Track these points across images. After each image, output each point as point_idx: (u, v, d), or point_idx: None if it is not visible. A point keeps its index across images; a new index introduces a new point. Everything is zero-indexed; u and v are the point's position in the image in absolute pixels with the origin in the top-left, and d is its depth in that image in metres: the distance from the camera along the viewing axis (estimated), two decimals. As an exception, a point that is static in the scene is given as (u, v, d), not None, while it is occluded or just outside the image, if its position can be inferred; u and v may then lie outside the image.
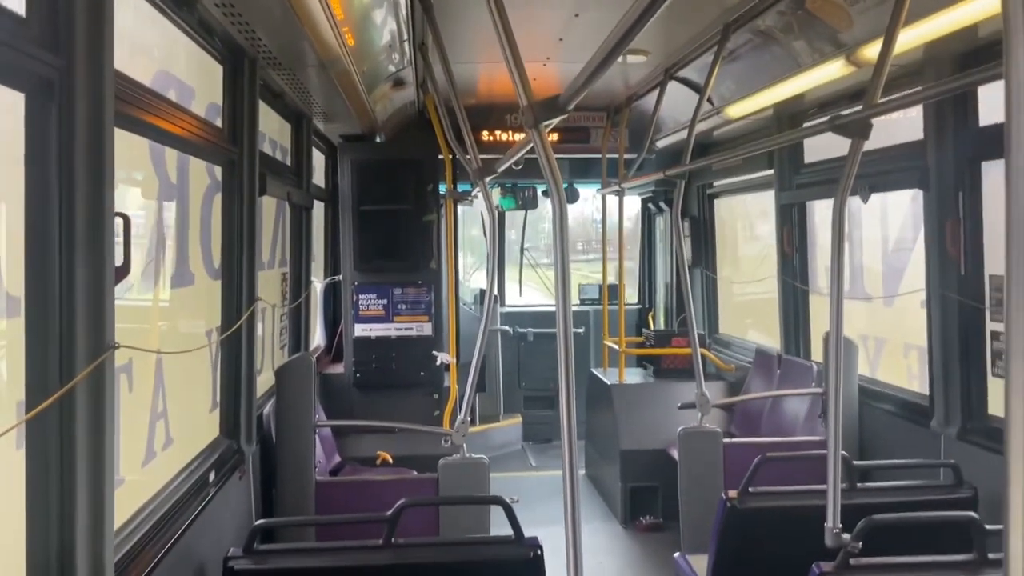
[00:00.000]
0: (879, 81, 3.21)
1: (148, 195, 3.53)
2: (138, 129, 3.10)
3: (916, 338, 5.29)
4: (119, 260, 2.59)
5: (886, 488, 4.33)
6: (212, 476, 3.91)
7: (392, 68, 5.80)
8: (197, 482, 3.70)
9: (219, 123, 4.22)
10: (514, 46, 2.61)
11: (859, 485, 4.21)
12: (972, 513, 3.26)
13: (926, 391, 4.93)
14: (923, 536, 3.45)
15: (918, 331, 5.08)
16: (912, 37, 3.91)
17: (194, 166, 3.99)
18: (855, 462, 4.31)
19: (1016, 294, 0.80)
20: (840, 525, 3.39)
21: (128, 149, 3.10)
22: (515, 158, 4.06)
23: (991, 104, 4.42)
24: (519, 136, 8.52)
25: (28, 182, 2.27)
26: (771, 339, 7.50)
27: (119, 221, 2.57)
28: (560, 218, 2.57)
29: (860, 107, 3.28)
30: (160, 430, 3.53)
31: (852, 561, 3.04)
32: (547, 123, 2.64)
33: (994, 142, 4.42)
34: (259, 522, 3.48)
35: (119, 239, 2.58)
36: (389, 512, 3.34)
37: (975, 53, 4.25)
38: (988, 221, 4.50)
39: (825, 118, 3.53)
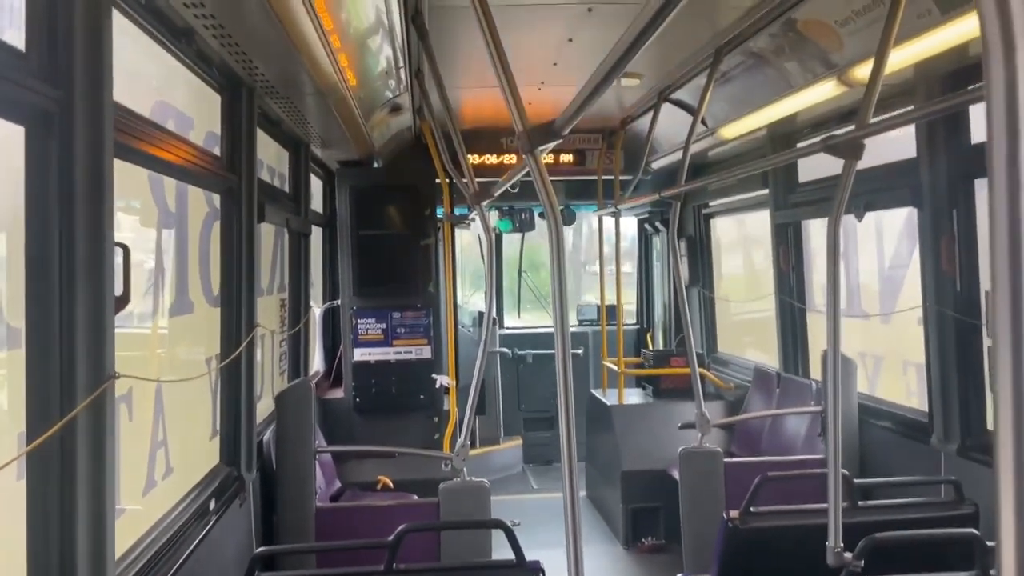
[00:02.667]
0: (870, 101, 3.25)
1: (147, 224, 3.55)
2: (137, 159, 3.13)
3: (914, 355, 5.31)
4: (119, 290, 2.60)
5: (887, 506, 4.33)
6: (213, 504, 3.90)
7: (389, 94, 5.84)
8: (198, 510, 3.70)
9: (218, 151, 4.25)
10: (508, 72, 2.64)
11: (860, 503, 4.21)
12: (973, 530, 3.26)
13: (925, 408, 4.94)
14: (925, 553, 3.45)
15: (916, 348, 5.10)
16: (902, 57, 3.95)
17: (193, 194, 4.01)
18: (856, 480, 4.31)
19: (1001, 306, 0.81)
20: (842, 544, 3.39)
21: (128, 178, 3.12)
22: (511, 182, 4.09)
23: (983, 122, 4.45)
24: (515, 159, 8.57)
25: (28, 213, 2.29)
26: (770, 358, 7.51)
27: (119, 251, 2.59)
28: (556, 241, 2.59)
29: (852, 127, 3.31)
30: (160, 459, 3.53)
31: None
32: (542, 148, 2.67)
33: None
34: (259, 550, 3.48)
35: (119, 269, 2.60)
36: (390, 538, 3.33)
37: (965, 71, 4.29)
38: (982, 238, 4.53)
39: (818, 138, 3.56)
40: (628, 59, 2.09)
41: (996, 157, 0.84)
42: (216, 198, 4.28)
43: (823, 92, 4.79)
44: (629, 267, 11.38)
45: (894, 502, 4.34)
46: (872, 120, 3.22)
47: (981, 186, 4.53)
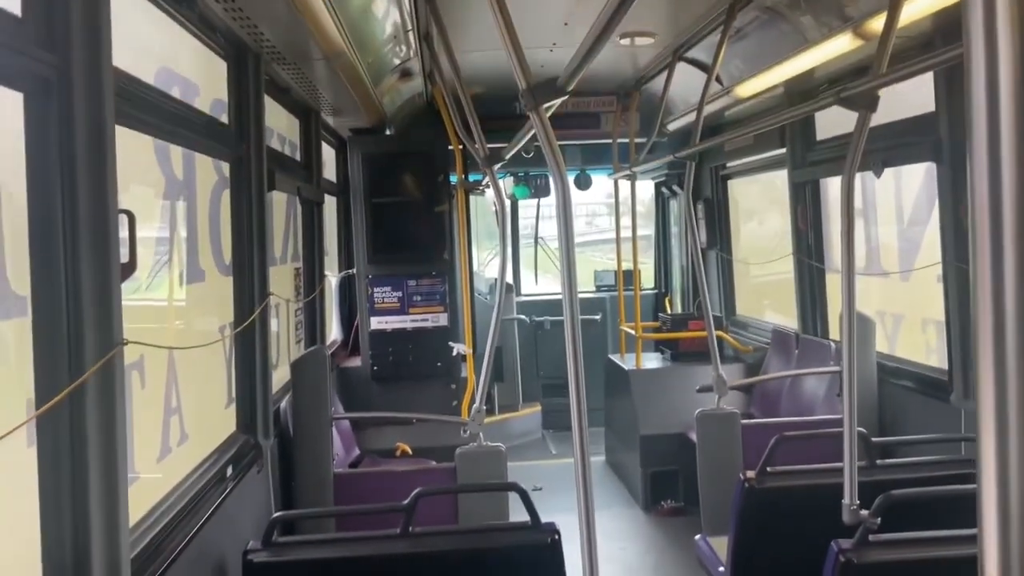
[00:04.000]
0: (885, 52, 3.17)
1: (155, 193, 3.54)
2: (141, 127, 3.11)
3: (934, 312, 5.24)
4: (124, 257, 2.60)
5: (905, 464, 4.30)
6: (230, 471, 3.92)
7: (398, 60, 5.79)
8: (214, 477, 3.72)
9: (225, 119, 4.23)
10: (512, 29, 2.60)
11: (878, 462, 4.18)
12: None
13: (945, 366, 4.88)
14: (943, 511, 3.41)
15: (935, 305, 5.03)
16: (918, 8, 3.86)
17: (201, 163, 4.00)
18: (874, 439, 4.27)
19: (982, 288, 0.80)
20: (858, 502, 3.37)
21: (135, 147, 3.11)
22: (520, 144, 4.04)
23: (1003, 73, 4.34)
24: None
25: (30, 181, 2.28)
26: (789, 319, 7.45)
27: (124, 218, 2.58)
28: (563, 203, 2.56)
29: (865, 79, 3.24)
30: (175, 426, 3.55)
31: (871, 537, 3.02)
32: (548, 105, 2.62)
33: (1007, 111, 4.35)
34: (277, 514, 3.50)
35: (124, 236, 2.59)
36: (406, 501, 3.35)
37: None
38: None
39: (830, 93, 3.49)
40: (626, 8, 2.04)
41: (976, 128, 0.83)
42: (225, 166, 4.26)
43: (839, 46, 4.70)
44: (647, 230, 11.31)
45: (912, 460, 4.31)
46: (887, 70, 3.14)
47: (1001, 138, 4.43)
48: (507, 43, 2.58)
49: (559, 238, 2.57)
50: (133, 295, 3.14)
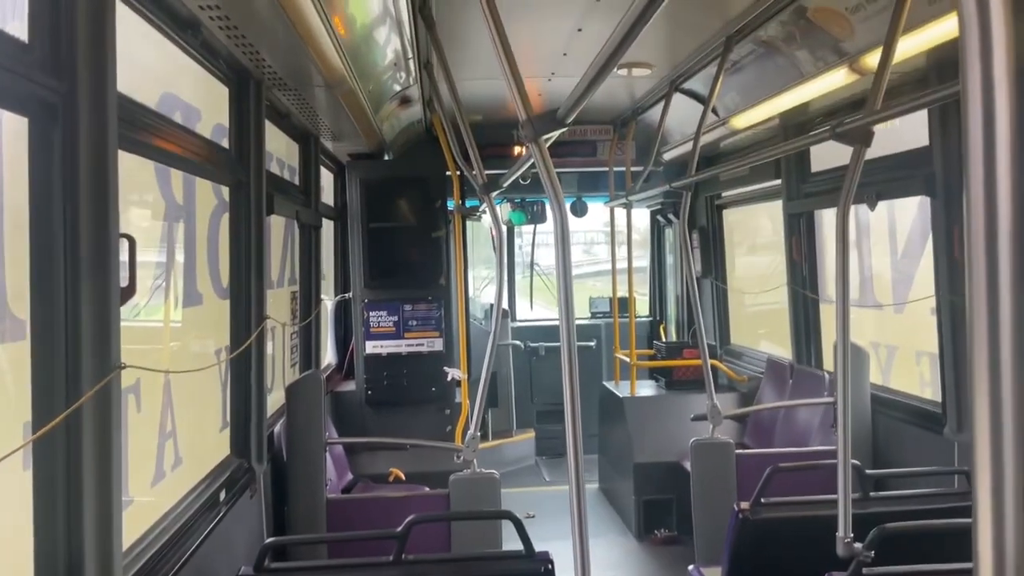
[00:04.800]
0: (880, 88, 3.22)
1: (155, 216, 3.56)
2: (143, 151, 3.13)
3: (927, 345, 5.26)
4: (124, 281, 2.61)
5: (899, 496, 4.30)
6: (223, 495, 3.91)
7: (398, 87, 5.84)
8: (208, 501, 3.71)
9: (226, 144, 4.25)
10: (512, 61, 2.63)
11: (872, 494, 4.18)
12: None
13: (939, 398, 4.89)
14: (937, 544, 3.42)
15: (929, 338, 5.06)
16: (914, 44, 3.91)
17: (201, 187, 4.02)
18: (868, 471, 4.28)
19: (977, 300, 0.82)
20: (852, 534, 3.37)
21: (135, 171, 3.13)
22: (518, 173, 4.08)
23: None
24: (527, 152, 8.54)
25: (32, 205, 2.29)
26: (783, 349, 7.47)
27: (124, 242, 2.59)
28: (561, 231, 2.58)
29: (861, 114, 3.28)
30: (169, 450, 3.55)
31: (865, 570, 3.01)
32: (547, 137, 2.66)
33: (1000, 147, 4.39)
34: (270, 540, 3.49)
35: (125, 260, 2.61)
36: (399, 529, 3.34)
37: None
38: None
39: (825, 128, 3.53)
40: (627, 44, 2.07)
41: (973, 164, 0.85)
42: (224, 191, 4.29)
43: (834, 80, 4.75)
44: (643, 259, 11.35)
45: (906, 493, 4.31)
46: (881, 106, 3.18)
47: (994, 174, 4.47)
48: (508, 74, 2.62)
49: (556, 265, 2.59)
50: (131, 318, 3.14)
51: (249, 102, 4.32)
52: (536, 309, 11.48)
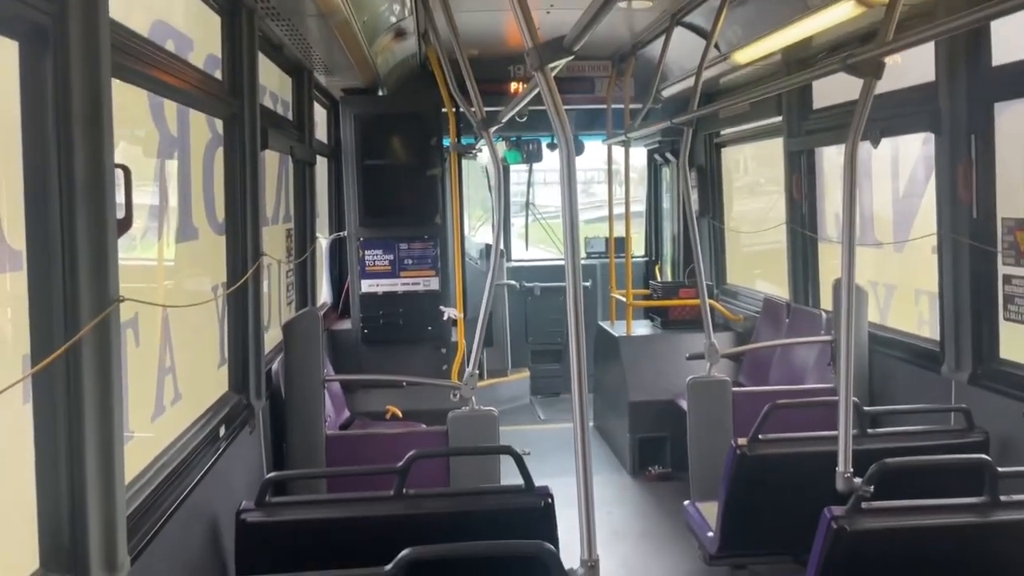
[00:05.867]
0: (892, 18, 3.14)
1: (149, 148, 3.48)
2: (136, 80, 3.05)
3: (927, 284, 5.25)
4: (121, 213, 2.55)
5: (897, 433, 4.33)
6: (222, 431, 3.91)
7: (393, 18, 5.71)
8: (207, 437, 3.71)
9: (219, 75, 4.16)
10: (519, -14, 2.55)
11: (869, 431, 4.20)
12: (985, 456, 3.25)
13: (936, 337, 4.90)
14: (934, 480, 3.44)
15: (928, 277, 5.04)
16: (925, -26, 3.82)
17: (194, 119, 3.93)
18: (865, 408, 4.30)
19: None
20: (851, 469, 3.39)
21: (129, 102, 3.05)
22: (520, 105, 4.00)
23: (1004, 43, 4.33)
24: (523, 88, 8.41)
25: (25, 133, 2.23)
26: (779, 289, 7.47)
27: (119, 173, 2.53)
28: (568, 165, 2.53)
29: (872, 46, 3.20)
30: (168, 385, 3.53)
31: (864, 505, 3.03)
32: (553, 65, 2.59)
33: (1007, 83, 4.33)
34: (270, 475, 3.49)
35: (120, 191, 2.55)
36: (400, 463, 3.34)
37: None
38: (1000, 163, 4.43)
39: (835, 60, 3.45)
40: None
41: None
42: (218, 123, 4.20)
43: (841, 12, 4.65)
44: (641, 200, 11.29)
45: (904, 429, 4.34)
46: (894, 37, 3.11)
47: (1001, 110, 4.41)
48: (515, 1, 2.54)
49: (562, 199, 2.54)
50: (127, 253, 3.09)
51: (242, 31, 4.21)
52: (531, 249, 11.44)
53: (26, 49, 2.21)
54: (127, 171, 2.59)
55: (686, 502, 5.12)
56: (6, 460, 2.35)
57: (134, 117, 3.31)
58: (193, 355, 3.96)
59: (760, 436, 4.13)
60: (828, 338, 5.90)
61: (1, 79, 2.24)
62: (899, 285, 5.90)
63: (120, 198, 2.53)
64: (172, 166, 3.75)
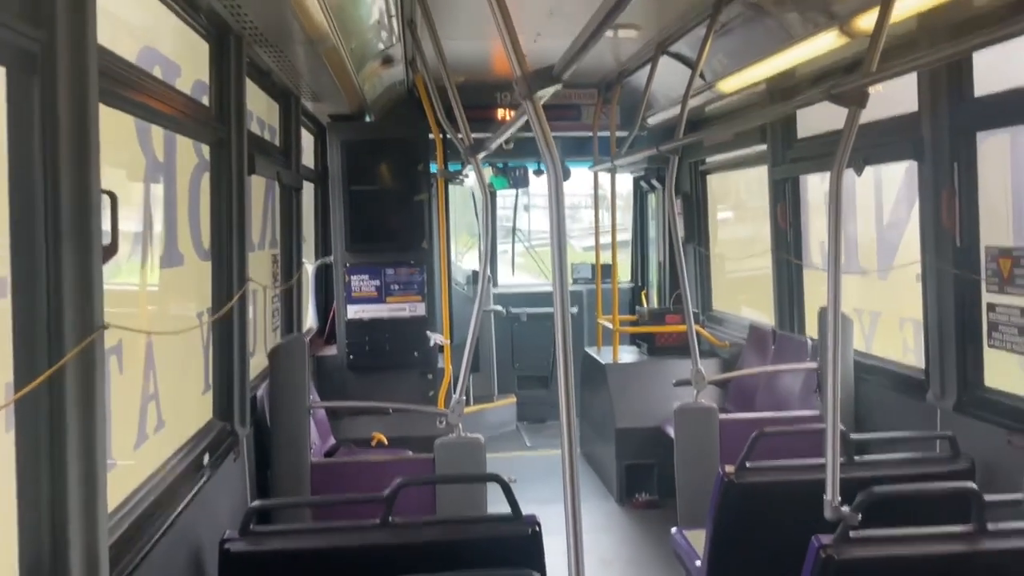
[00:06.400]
0: (876, 49, 3.17)
1: (135, 174, 3.47)
2: (124, 106, 3.04)
3: (911, 311, 5.28)
4: (107, 239, 2.54)
5: (883, 461, 4.33)
6: (207, 458, 3.87)
7: (381, 45, 5.73)
8: (191, 465, 3.67)
9: (206, 101, 4.16)
10: (507, 15, 2.57)
11: (856, 458, 4.20)
12: (971, 484, 3.25)
13: (922, 364, 4.92)
14: (920, 508, 3.44)
15: (913, 304, 5.07)
16: (907, 6, 3.87)
17: (181, 144, 3.93)
18: (852, 435, 4.30)
19: None
20: (839, 498, 3.38)
21: (115, 126, 3.04)
22: (509, 133, 4.01)
23: (986, 74, 4.39)
24: (509, 115, 8.46)
25: (11, 160, 2.21)
26: (764, 315, 7.49)
27: (106, 199, 2.52)
28: (556, 191, 2.54)
29: (857, 76, 3.24)
30: (152, 412, 3.49)
31: (852, 533, 3.03)
32: (541, 94, 2.60)
33: (989, 112, 4.39)
34: (255, 503, 3.45)
35: (107, 217, 2.53)
36: (386, 491, 3.31)
37: (969, 23, 4.21)
38: (983, 191, 4.48)
39: (820, 88, 3.49)
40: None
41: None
42: (205, 149, 4.19)
43: (825, 43, 4.70)
44: (627, 227, 11.32)
45: (890, 457, 4.34)
46: (877, 68, 3.15)
47: (983, 138, 4.47)
48: (502, 29, 2.55)
49: (551, 225, 2.55)
50: (111, 278, 3.07)
51: (230, 58, 4.22)
52: (517, 275, 11.44)
53: (13, 75, 2.21)
54: (113, 197, 2.58)
55: (673, 530, 5.10)
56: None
57: (121, 141, 3.30)
58: (177, 382, 3.93)
59: (747, 464, 4.12)
60: (813, 365, 5.91)
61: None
62: (884, 312, 5.94)
63: (106, 224, 2.52)
64: (158, 191, 3.73)
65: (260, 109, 5.60)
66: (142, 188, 3.54)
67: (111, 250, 2.61)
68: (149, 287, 3.72)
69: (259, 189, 5.64)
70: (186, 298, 4.18)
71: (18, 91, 2.21)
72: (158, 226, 3.72)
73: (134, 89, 3.06)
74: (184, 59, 3.91)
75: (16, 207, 2.22)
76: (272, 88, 5.78)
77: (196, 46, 4.08)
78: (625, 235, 11.24)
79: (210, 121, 4.10)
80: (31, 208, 2.22)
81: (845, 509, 3.19)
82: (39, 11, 2.20)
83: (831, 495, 3.36)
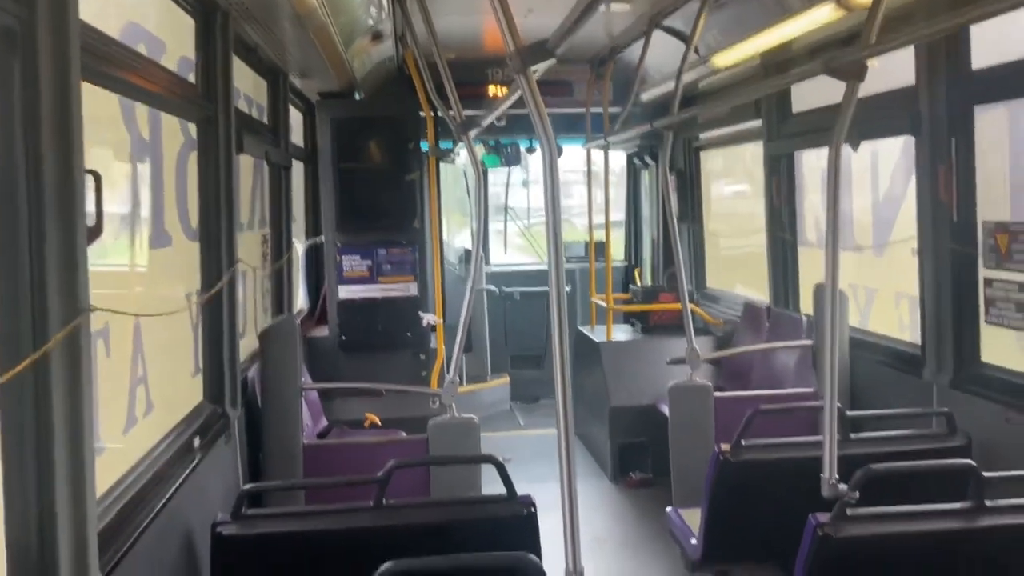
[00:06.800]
0: (874, 21, 3.12)
1: (120, 153, 3.40)
2: (107, 83, 2.98)
3: (907, 287, 5.26)
4: (91, 220, 2.48)
5: (879, 438, 4.31)
6: (197, 441, 3.83)
7: (370, 21, 5.65)
8: (182, 448, 3.63)
9: (192, 78, 4.08)
10: (501, -11, 2.51)
11: (852, 436, 4.19)
12: (970, 461, 3.24)
13: (918, 341, 4.90)
14: (919, 485, 3.43)
15: (909, 280, 5.04)
16: (905, -22, 3.82)
17: (167, 123, 3.86)
18: (848, 412, 4.28)
19: None
20: (836, 476, 3.36)
21: (99, 104, 2.97)
22: (501, 109, 3.96)
23: (984, 46, 4.34)
24: (502, 92, 8.38)
25: (-8, 137, 2.15)
26: (757, 292, 7.47)
27: (90, 178, 2.46)
28: (551, 166, 2.50)
29: (854, 49, 3.18)
30: (141, 395, 3.45)
31: (849, 511, 3.01)
32: (534, 68, 2.55)
33: (987, 86, 4.34)
34: (247, 487, 3.42)
35: (91, 197, 2.48)
36: (380, 473, 3.28)
37: (968, -6, 4.15)
38: (981, 166, 4.44)
39: (817, 62, 3.44)
40: None
41: None
42: (192, 128, 4.13)
43: (821, 16, 4.64)
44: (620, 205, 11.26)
45: (886, 434, 4.33)
46: (876, 40, 3.09)
47: (981, 112, 4.42)
48: (495, 4, 2.50)
49: (545, 202, 2.51)
50: (97, 259, 3.01)
51: (216, 34, 4.15)
52: (509, 253, 11.39)
53: (-8, 51, 2.14)
54: (98, 177, 2.52)
55: (668, 508, 5.09)
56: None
57: (105, 120, 3.23)
58: (166, 364, 3.88)
59: (743, 441, 4.10)
60: (809, 342, 5.89)
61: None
62: (879, 289, 5.91)
63: (90, 205, 2.46)
64: (144, 170, 3.67)
65: (247, 86, 5.51)
66: (127, 167, 3.48)
67: (96, 231, 2.55)
68: (136, 268, 3.66)
69: (247, 168, 5.57)
70: (174, 279, 4.13)
71: (-3, 69, 2.15)
72: (144, 206, 3.66)
73: (118, 66, 3.00)
74: (169, 35, 3.84)
75: (-3, 187, 2.16)
76: (259, 65, 5.69)
77: (181, 22, 4.00)
78: (619, 213, 11.19)
79: (196, 99, 4.03)
80: (13, 189, 2.16)
81: (842, 487, 3.17)
82: (18, -14, 2.13)
83: (828, 473, 3.35)
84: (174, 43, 3.89)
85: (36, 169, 2.18)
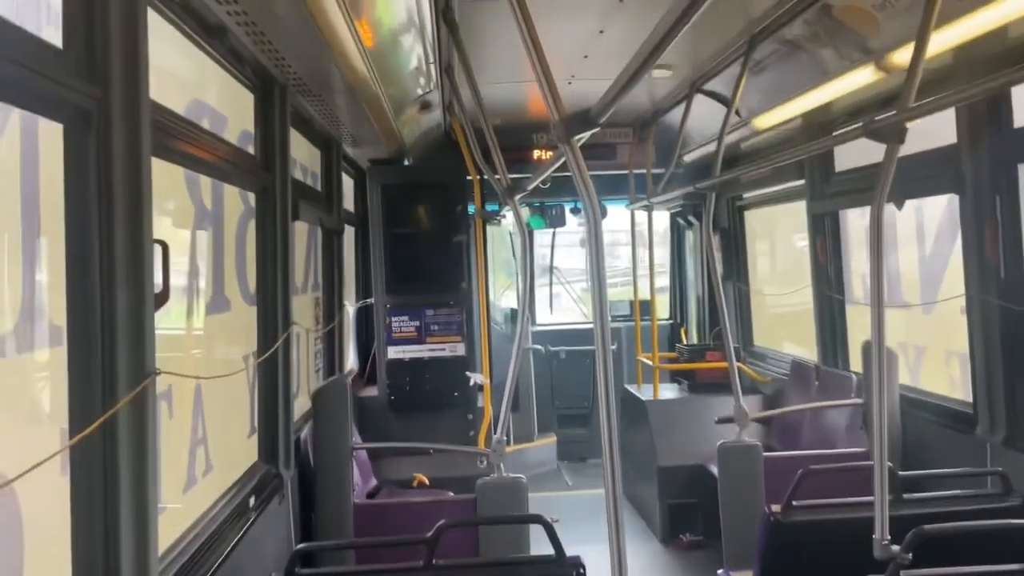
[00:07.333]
0: (912, 84, 3.18)
1: (184, 222, 3.56)
2: (174, 158, 3.14)
3: (957, 345, 5.20)
4: (158, 287, 2.61)
5: (932, 498, 4.24)
6: (252, 501, 3.91)
7: (419, 91, 5.84)
8: (238, 508, 3.71)
9: (252, 150, 4.26)
10: (544, 61, 2.62)
11: (905, 496, 4.13)
12: None
13: (969, 398, 4.83)
14: (973, 546, 3.37)
15: (958, 338, 5.00)
16: (942, 41, 3.87)
17: (228, 192, 4.03)
18: (900, 472, 4.22)
19: None
20: (888, 536, 3.33)
21: (165, 176, 3.13)
22: (546, 174, 4.07)
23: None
24: (543, 155, 8.54)
25: (68, 211, 2.30)
26: (804, 350, 7.41)
27: (158, 248, 2.60)
28: (595, 232, 2.57)
29: (893, 112, 3.24)
30: (200, 456, 3.55)
31: (903, 573, 2.97)
32: (578, 137, 2.64)
33: (1031, 143, 4.35)
34: (300, 546, 3.48)
35: (158, 266, 2.61)
36: (429, 533, 3.32)
37: (1006, 55, 4.19)
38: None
39: (857, 124, 3.50)
40: (665, 45, 2.06)
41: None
42: (251, 196, 4.29)
43: (861, 78, 4.71)
44: (664, 263, 11.30)
45: (940, 494, 4.25)
46: (914, 103, 3.15)
47: (1024, 171, 4.43)
48: (540, 74, 2.61)
49: (590, 265, 2.58)
50: (162, 324, 3.15)
51: (274, 107, 4.34)
52: (555, 313, 11.44)
53: (70, 131, 2.29)
54: (165, 246, 2.66)
55: (720, 571, 5.03)
56: (44, 532, 2.36)
57: (171, 192, 3.40)
58: (224, 425, 3.99)
59: (794, 502, 4.06)
60: (859, 401, 5.83)
61: (46, 159, 2.32)
62: (929, 346, 5.85)
63: (158, 273, 2.59)
64: (206, 238, 3.83)
65: (303, 155, 5.72)
66: (190, 235, 3.64)
67: (163, 297, 2.68)
68: (196, 332, 3.79)
69: (302, 232, 5.75)
70: (233, 342, 4.26)
71: (75, 146, 2.30)
72: (206, 272, 3.80)
73: (184, 141, 3.16)
74: (230, 110, 4.03)
75: (73, 258, 2.29)
76: (314, 135, 5.91)
77: (242, 97, 4.20)
78: (663, 274, 11.22)
79: (256, 169, 4.21)
80: (87, 258, 2.29)
81: (895, 548, 3.14)
82: (95, 69, 2.29)
83: (880, 534, 3.31)
84: (235, 117, 4.08)
85: (109, 239, 2.31)
